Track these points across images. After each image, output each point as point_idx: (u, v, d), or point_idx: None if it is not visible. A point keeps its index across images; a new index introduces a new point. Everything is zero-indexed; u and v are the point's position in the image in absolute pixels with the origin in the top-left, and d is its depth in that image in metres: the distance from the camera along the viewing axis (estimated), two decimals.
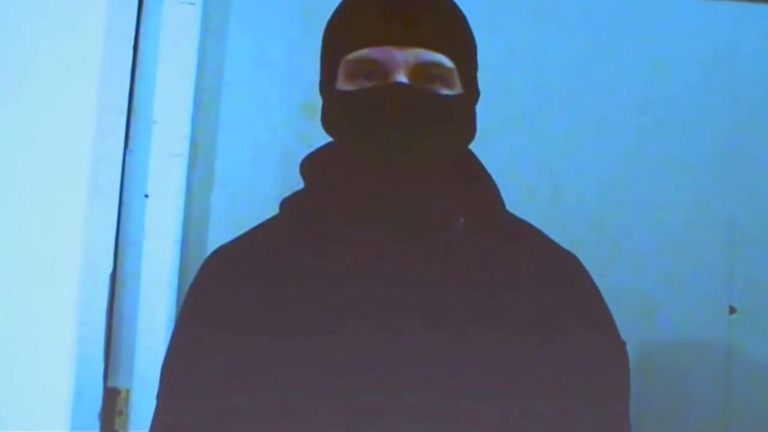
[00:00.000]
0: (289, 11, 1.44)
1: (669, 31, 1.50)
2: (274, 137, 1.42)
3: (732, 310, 1.47)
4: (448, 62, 0.85)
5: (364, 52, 0.84)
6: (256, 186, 1.40)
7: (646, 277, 1.45)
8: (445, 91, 0.86)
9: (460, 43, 0.88)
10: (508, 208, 0.97)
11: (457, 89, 0.87)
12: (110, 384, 1.32)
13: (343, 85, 0.86)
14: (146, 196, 1.35)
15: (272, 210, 0.97)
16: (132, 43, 1.34)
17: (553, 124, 1.46)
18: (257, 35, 1.43)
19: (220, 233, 1.37)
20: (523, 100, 1.45)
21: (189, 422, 0.85)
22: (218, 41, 1.43)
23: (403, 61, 0.83)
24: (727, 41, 1.51)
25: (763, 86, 1.51)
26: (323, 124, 0.91)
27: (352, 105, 0.85)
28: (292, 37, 1.43)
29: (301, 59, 1.42)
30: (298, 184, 0.95)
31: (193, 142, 1.39)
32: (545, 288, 0.89)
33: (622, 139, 1.47)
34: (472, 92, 0.91)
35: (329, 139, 0.92)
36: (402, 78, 0.83)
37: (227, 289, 0.89)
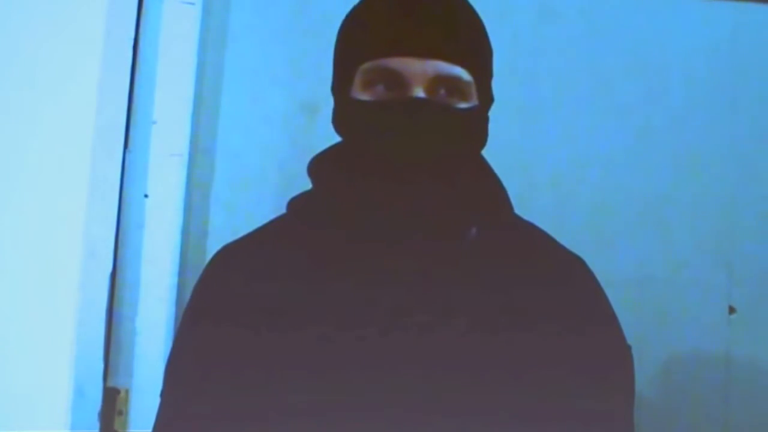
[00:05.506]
0: (289, 11, 1.43)
1: (669, 30, 1.50)
2: (274, 137, 1.42)
3: (732, 310, 1.47)
4: (466, 76, 0.85)
5: (382, 62, 0.84)
6: (256, 186, 1.40)
7: (646, 277, 1.45)
8: (462, 105, 0.86)
9: (480, 55, 0.88)
10: None
11: (473, 101, 0.87)
12: (110, 384, 1.32)
13: (359, 92, 0.86)
14: (146, 196, 1.35)
15: (272, 210, 0.97)
16: (132, 43, 1.34)
17: (553, 124, 1.46)
18: (257, 35, 1.43)
19: (219, 233, 1.37)
20: (522, 99, 1.45)
21: (192, 419, 0.85)
22: (218, 41, 1.42)
23: (421, 73, 0.83)
24: (727, 41, 1.51)
25: (763, 86, 1.51)
26: (334, 125, 0.90)
27: (368, 116, 0.85)
28: (292, 37, 1.43)
29: (301, 59, 1.42)
30: (298, 184, 0.95)
31: (193, 142, 1.39)
32: (552, 290, 0.89)
33: (622, 138, 1.47)
34: (486, 100, 0.91)
35: (329, 139, 0.92)
36: (420, 92, 0.83)
37: (233, 287, 0.89)
